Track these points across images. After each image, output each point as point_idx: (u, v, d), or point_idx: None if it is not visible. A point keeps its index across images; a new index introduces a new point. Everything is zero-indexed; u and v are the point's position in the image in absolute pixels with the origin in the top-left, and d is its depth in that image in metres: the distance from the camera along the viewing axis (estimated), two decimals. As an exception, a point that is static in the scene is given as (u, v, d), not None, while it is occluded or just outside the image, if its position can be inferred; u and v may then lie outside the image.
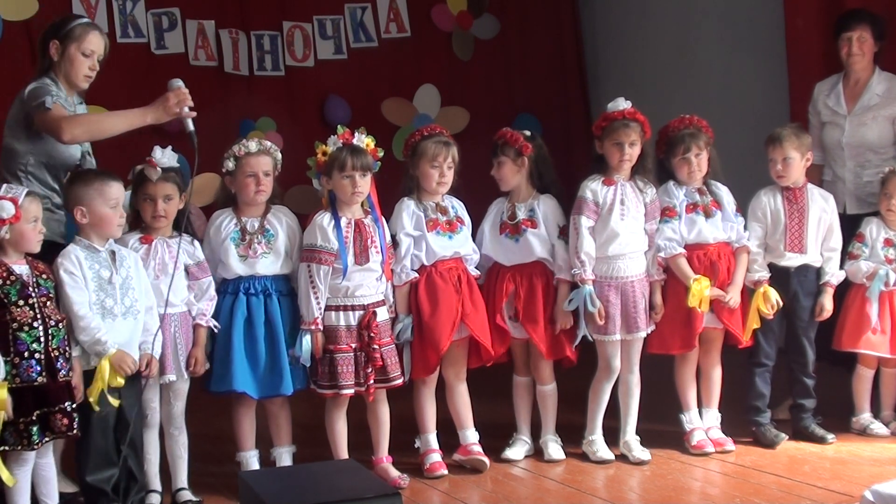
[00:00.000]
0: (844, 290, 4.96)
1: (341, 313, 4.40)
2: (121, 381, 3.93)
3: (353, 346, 4.38)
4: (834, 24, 5.45)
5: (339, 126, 4.48)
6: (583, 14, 8.25)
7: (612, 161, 4.69)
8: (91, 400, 3.90)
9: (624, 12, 7.96)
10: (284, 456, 4.51)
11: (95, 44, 4.44)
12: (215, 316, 4.36)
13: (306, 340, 4.34)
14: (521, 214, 4.72)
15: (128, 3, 6.90)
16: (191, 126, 4.27)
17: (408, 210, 4.58)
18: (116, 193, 4.07)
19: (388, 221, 4.56)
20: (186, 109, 4.26)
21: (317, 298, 4.34)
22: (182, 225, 4.35)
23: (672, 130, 4.77)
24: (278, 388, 4.35)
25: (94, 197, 4.03)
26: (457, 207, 4.69)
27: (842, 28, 5.33)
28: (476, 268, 4.71)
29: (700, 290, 4.62)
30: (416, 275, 4.56)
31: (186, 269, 4.32)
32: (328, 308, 4.38)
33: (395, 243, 4.54)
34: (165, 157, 4.30)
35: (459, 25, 7.87)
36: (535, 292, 4.68)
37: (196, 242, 4.40)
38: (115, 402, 3.95)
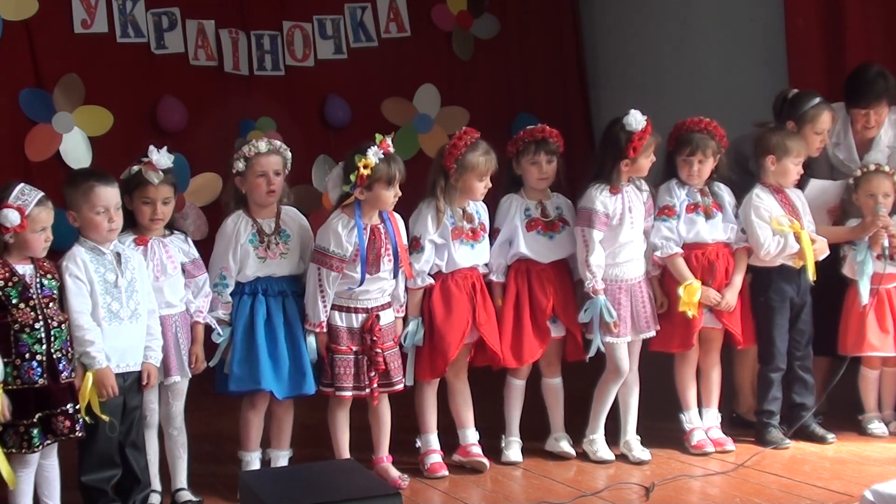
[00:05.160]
0: (844, 292, 4.94)
1: (344, 314, 4.38)
2: (96, 402, 3.83)
3: (354, 349, 4.37)
4: (844, 85, 5.16)
5: (377, 134, 4.33)
6: (583, 14, 8.25)
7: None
8: (80, 411, 3.82)
9: (624, 12, 7.96)
10: (281, 460, 4.49)
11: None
12: (224, 317, 4.36)
13: (311, 341, 4.35)
14: (553, 212, 4.72)
15: (128, 3, 6.90)
16: None
17: (434, 217, 4.53)
18: (104, 199, 3.94)
19: (403, 219, 4.51)
20: None
21: (324, 302, 4.33)
22: (174, 223, 4.35)
23: (686, 128, 4.73)
24: (302, 387, 4.35)
25: (81, 203, 3.93)
26: (480, 212, 4.66)
27: (856, 103, 5.08)
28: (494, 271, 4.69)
29: (689, 296, 4.61)
30: (433, 280, 4.55)
31: (183, 268, 4.30)
32: (332, 307, 4.37)
33: (415, 242, 4.51)
34: (163, 157, 4.19)
35: (459, 25, 7.87)
36: (567, 289, 4.70)
37: (190, 240, 4.39)
38: (104, 416, 3.86)
